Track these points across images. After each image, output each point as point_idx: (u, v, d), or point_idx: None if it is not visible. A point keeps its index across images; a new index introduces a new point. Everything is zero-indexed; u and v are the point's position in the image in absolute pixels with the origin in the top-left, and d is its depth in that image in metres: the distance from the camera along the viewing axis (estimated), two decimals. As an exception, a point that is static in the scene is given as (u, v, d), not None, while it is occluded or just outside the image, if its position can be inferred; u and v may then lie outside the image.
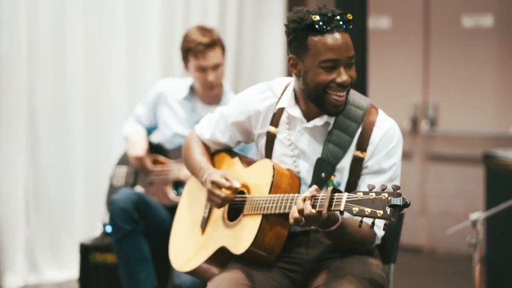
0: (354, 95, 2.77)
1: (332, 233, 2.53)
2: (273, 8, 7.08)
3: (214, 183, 2.75)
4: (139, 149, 4.19)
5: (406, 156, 6.72)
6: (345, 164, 2.70)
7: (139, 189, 4.21)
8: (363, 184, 2.67)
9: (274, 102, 2.84)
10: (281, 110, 2.81)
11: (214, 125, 3.00)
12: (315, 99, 2.66)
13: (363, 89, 4.61)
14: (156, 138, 4.46)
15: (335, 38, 2.58)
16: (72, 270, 5.50)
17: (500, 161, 4.57)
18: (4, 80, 5.21)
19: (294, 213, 2.43)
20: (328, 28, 2.57)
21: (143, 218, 3.88)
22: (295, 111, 2.75)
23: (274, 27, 7.10)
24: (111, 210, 3.89)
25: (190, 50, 4.08)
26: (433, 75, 6.94)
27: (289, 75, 2.82)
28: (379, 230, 2.68)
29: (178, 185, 4.10)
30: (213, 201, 2.78)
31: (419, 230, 6.93)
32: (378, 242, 2.75)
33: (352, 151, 2.71)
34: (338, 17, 2.59)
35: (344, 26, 2.59)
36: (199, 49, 4.06)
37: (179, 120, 4.24)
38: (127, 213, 3.82)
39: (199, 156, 2.98)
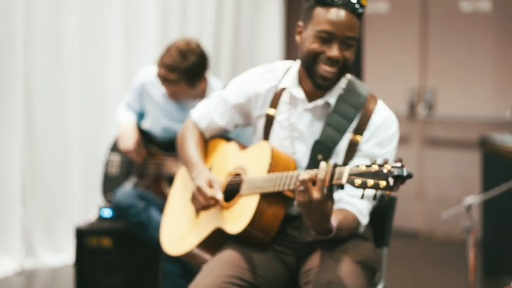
0: (355, 83, 2.80)
1: (327, 239, 2.58)
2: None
3: (200, 190, 2.77)
4: (129, 142, 4.20)
5: (403, 140, 6.73)
6: (341, 147, 2.72)
7: (133, 179, 4.23)
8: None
9: (274, 85, 2.85)
10: (281, 91, 2.83)
11: (212, 108, 3.00)
12: (306, 68, 2.71)
13: (358, 73, 4.61)
14: (147, 125, 4.47)
15: (338, 13, 2.61)
16: (68, 254, 5.53)
17: (497, 145, 4.57)
18: (0, 64, 5.20)
19: (304, 176, 2.42)
20: (336, 2, 2.61)
21: (148, 203, 4.09)
22: (298, 92, 2.77)
23: (272, 16, 7.11)
24: (120, 211, 4.13)
25: None
26: (431, 60, 6.93)
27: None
28: (364, 218, 2.72)
29: (173, 180, 4.11)
30: (195, 204, 2.82)
31: (416, 214, 6.94)
32: (361, 230, 2.76)
33: (349, 135, 2.73)
34: None
35: (353, 7, 2.62)
36: (158, 76, 4.04)
37: (165, 115, 4.23)
38: (134, 207, 4.05)
39: (192, 150, 2.98)
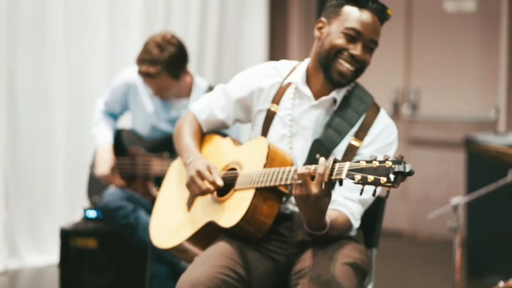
0: (361, 89, 2.85)
1: (320, 235, 2.58)
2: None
3: (199, 174, 2.73)
4: (104, 168, 4.18)
5: (387, 140, 6.72)
6: (340, 149, 2.74)
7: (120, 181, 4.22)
8: None
9: (278, 82, 2.88)
10: (286, 87, 2.85)
11: (214, 101, 3.00)
12: (324, 63, 2.74)
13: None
14: (129, 123, 4.45)
15: (368, 15, 2.70)
16: (52, 255, 5.49)
17: (481, 145, 4.57)
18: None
19: (303, 170, 2.41)
20: (369, 5, 2.69)
21: (136, 204, 4.06)
22: (306, 89, 2.80)
23: (256, 18, 7.10)
24: (107, 213, 4.07)
25: None
26: (415, 60, 6.95)
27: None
28: (356, 222, 2.73)
29: (160, 180, 4.09)
30: (192, 189, 2.76)
31: (400, 214, 6.95)
32: (352, 233, 2.76)
33: (349, 138, 2.75)
34: (379, 5, 2.71)
35: (382, 14, 2.71)
36: (139, 74, 4.02)
37: (151, 114, 4.20)
38: (122, 208, 4.02)
39: (188, 139, 2.97)
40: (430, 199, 6.74)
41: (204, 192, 2.73)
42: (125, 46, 5.97)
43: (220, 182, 2.72)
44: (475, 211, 5.43)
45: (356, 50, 2.69)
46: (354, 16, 2.69)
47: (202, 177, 2.72)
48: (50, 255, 5.54)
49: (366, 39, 2.70)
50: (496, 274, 5.26)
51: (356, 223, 2.73)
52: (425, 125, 6.96)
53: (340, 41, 2.69)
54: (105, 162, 4.18)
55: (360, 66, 2.73)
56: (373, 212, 2.96)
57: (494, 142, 5.10)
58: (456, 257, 3.91)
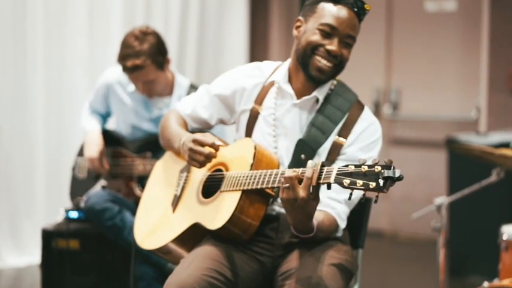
0: (344, 87, 2.85)
1: (307, 238, 2.57)
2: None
3: (196, 141, 2.68)
4: (93, 151, 4.15)
5: (368, 140, 6.73)
6: (325, 148, 2.73)
7: (102, 182, 4.18)
8: None
9: (261, 82, 2.87)
10: (270, 85, 2.84)
11: (197, 100, 3.00)
12: (302, 60, 2.73)
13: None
14: (112, 125, 4.42)
15: (343, 11, 2.69)
16: (33, 256, 5.47)
17: (463, 145, 4.59)
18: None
19: (290, 173, 2.40)
20: (342, 0, 2.69)
21: (121, 206, 4.02)
22: (288, 87, 2.79)
23: (237, 17, 7.10)
24: (93, 215, 4.01)
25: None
26: (396, 60, 6.96)
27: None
28: (343, 222, 2.72)
29: (143, 180, 4.06)
30: (195, 159, 2.69)
31: (381, 214, 6.96)
32: (339, 234, 2.76)
33: (333, 137, 2.74)
34: (356, 0, 2.70)
35: (358, 9, 2.70)
36: (125, 70, 3.99)
37: (133, 114, 4.18)
38: (107, 210, 3.96)
39: (175, 126, 2.95)
40: (411, 199, 6.75)
41: (208, 156, 2.66)
42: (105, 46, 5.95)
43: (219, 142, 2.69)
44: (457, 211, 5.45)
45: (332, 45, 2.68)
46: (328, 12, 2.68)
47: (201, 143, 2.68)
48: (30, 256, 5.52)
49: (341, 34, 2.69)
50: (477, 274, 5.29)
51: (342, 224, 2.73)
52: (406, 125, 6.98)
53: (315, 37, 2.69)
54: (94, 146, 4.15)
55: (338, 61, 2.72)
56: (359, 213, 2.96)
57: (477, 142, 5.12)
58: (440, 257, 3.92)
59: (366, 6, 2.72)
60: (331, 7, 2.68)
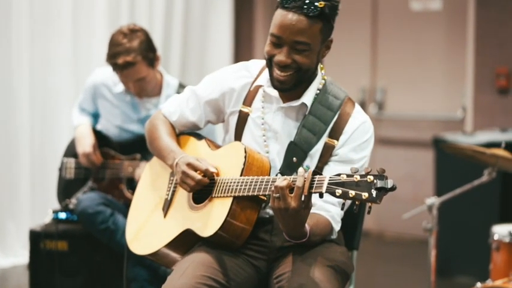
0: (333, 85, 2.77)
1: (300, 243, 2.55)
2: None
3: (190, 165, 2.67)
4: (85, 145, 4.11)
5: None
6: (317, 150, 2.69)
7: (90, 184, 4.14)
8: (329, 170, 2.65)
9: (249, 82, 2.81)
10: (257, 89, 2.79)
11: (184, 103, 2.93)
12: (268, 68, 2.67)
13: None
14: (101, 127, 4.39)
15: (288, 16, 2.54)
16: (18, 257, 5.43)
17: (450, 144, 4.59)
18: None
19: (280, 183, 2.37)
20: (287, 5, 2.54)
21: (113, 209, 3.98)
22: (273, 90, 2.71)
23: (222, 17, 7.10)
24: (85, 219, 3.96)
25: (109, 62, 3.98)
26: (381, 59, 6.97)
27: None
28: (337, 225, 2.70)
29: (132, 182, 4.03)
30: (186, 183, 2.68)
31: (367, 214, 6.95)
32: (334, 236, 2.73)
33: (324, 138, 2.69)
34: (302, 2, 2.53)
35: (305, 10, 2.52)
36: (115, 68, 3.94)
37: (120, 115, 4.15)
38: (100, 214, 3.93)
39: (167, 139, 2.89)
40: (397, 199, 6.74)
41: (199, 182, 2.65)
42: (89, 46, 5.94)
43: (213, 169, 2.66)
44: (443, 211, 5.46)
45: (280, 55, 2.58)
46: (275, 21, 2.57)
47: (195, 168, 2.66)
48: (15, 257, 5.49)
49: (288, 42, 2.56)
50: (465, 274, 5.30)
51: (337, 226, 2.70)
52: (391, 125, 6.98)
53: (267, 48, 2.61)
54: (86, 140, 4.12)
55: (294, 69, 2.60)
56: (354, 215, 2.93)
57: (464, 141, 5.13)
58: (431, 257, 3.92)
59: (319, 4, 2.52)
60: (279, 14, 2.56)
